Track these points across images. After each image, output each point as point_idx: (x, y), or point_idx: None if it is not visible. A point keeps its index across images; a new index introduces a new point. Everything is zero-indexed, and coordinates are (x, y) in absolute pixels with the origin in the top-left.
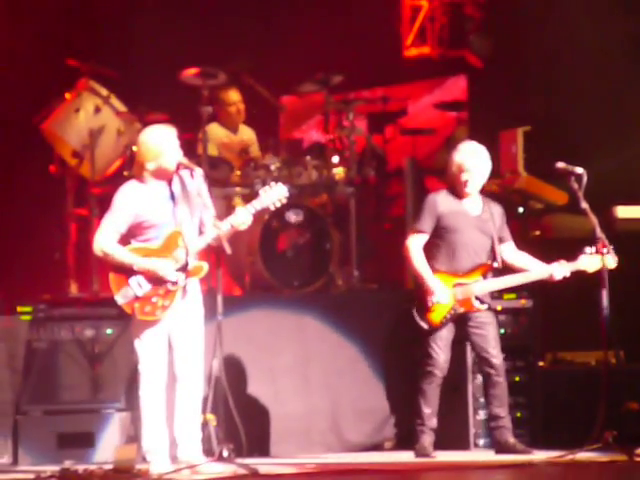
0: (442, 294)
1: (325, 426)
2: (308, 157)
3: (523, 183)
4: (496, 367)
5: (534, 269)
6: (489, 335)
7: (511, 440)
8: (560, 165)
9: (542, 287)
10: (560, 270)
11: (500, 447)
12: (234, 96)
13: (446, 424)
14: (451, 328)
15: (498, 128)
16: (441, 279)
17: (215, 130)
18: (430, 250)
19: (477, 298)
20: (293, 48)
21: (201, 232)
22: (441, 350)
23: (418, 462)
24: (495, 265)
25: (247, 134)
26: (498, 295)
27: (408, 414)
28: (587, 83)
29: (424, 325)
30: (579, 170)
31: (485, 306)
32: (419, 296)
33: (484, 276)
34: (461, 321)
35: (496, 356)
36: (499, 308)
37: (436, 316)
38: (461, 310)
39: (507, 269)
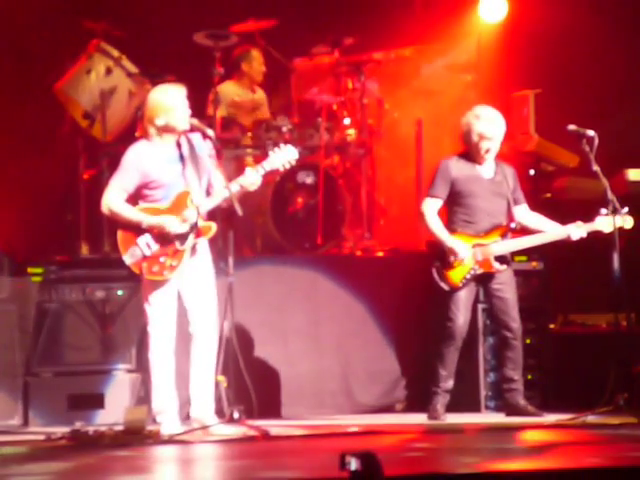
0: (464, 251)
1: (336, 388)
2: (320, 119)
3: (534, 145)
4: (514, 330)
5: (551, 230)
6: (509, 298)
7: (522, 402)
8: (571, 127)
9: (553, 249)
10: (577, 231)
11: (511, 409)
12: (260, 56)
13: (457, 386)
14: (471, 290)
15: (509, 90)
16: (461, 240)
17: (227, 89)
18: (447, 215)
19: (496, 259)
20: (305, 10)
21: (209, 194)
22: (460, 312)
23: (429, 424)
24: (512, 226)
25: (259, 95)
26: (510, 257)
27: (419, 376)
28: (599, 44)
29: (444, 286)
30: (590, 132)
31: (504, 267)
32: (439, 257)
33: (502, 237)
34: (482, 282)
35: (515, 319)
36: (511, 270)
37: (456, 276)
38: (480, 271)
39: (523, 230)
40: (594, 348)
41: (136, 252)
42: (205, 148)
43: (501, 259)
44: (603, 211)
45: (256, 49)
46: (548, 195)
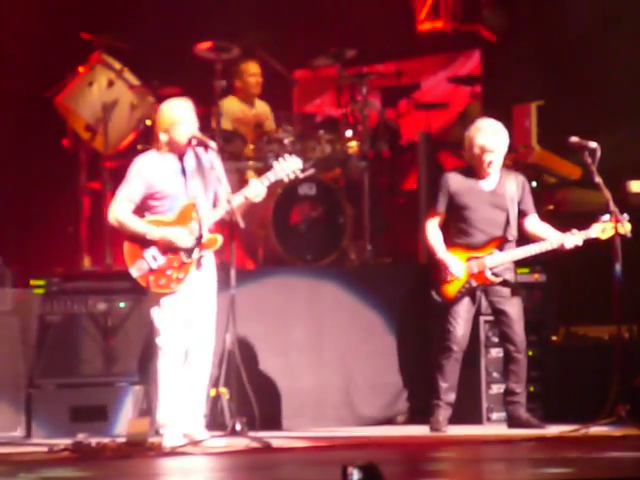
0: (456, 267)
1: (338, 400)
2: (321, 131)
3: (536, 157)
4: (516, 344)
5: (546, 239)
6: (510, 311)
7: (524, 415)
8: (574, 139)
9: (556, 261)
10: (571, 239)
11: (513, 421)
12: (254, 68)
13: (459, 398)
14: (471, 303)
15: (511, 102)
16: (455, 254)
17: (230, 104)
18: (447, 227)
19: (492, 271)
20: (307, 22)
21: (215, 206)
22: (459, 325)
23: (431, 436)
24: (510, 238)
25: (262, 108)
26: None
27: (421, 388)
28: (603, 56)
29: (438, 299)
30: (593, 144)
31: (499, 278)
32: (433, 271)
33: (499, 249)
34: (485, 295)
35: (517, 333)
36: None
37: (451, 290)
38: (475, 284)
39: (531, 241)
40: (596, 360)
41: (143, 265)
42: (213, 160)
43: (502, 271)
44: (604, 217)
45: (253, 61)
46: (550, 207)
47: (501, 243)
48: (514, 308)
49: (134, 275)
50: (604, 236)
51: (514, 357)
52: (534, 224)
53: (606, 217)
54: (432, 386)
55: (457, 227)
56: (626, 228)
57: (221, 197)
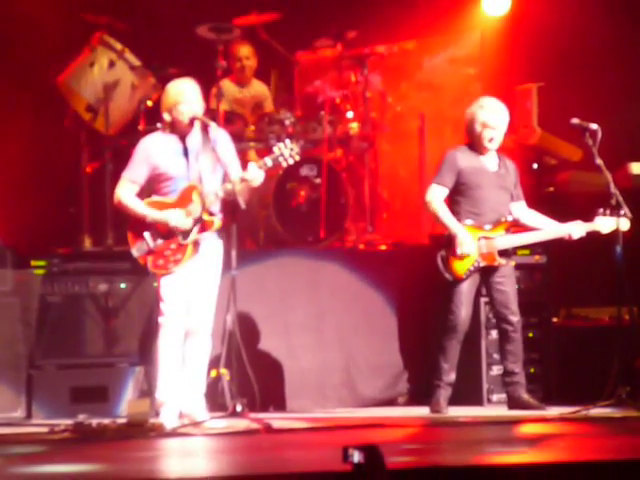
0: (470, 245)
1: (339, 381)
2: (322, 112)
3: (537, 139)
4: (513, 323)
5: (553, 227)
6: (509, 291)
7: (524, 396)
8: (575, 121)
9: (556, 243)
10: (577, 230)
11: (513, 403)
12: (242, 51)
13: (459, 380)
14: (473, 283)
15: (512, 84)
16: (468, 231)
17: (227, 86)
18: (453, 206)
19: (500, 253)
20: (308, 3)
21: None
22: (462, 305)
23: (431, 417)
24: (510, 219)
25: (260, 89)
26: (512, 251)
27: (422, 369)
28: (603, 37)
29: (448, 276)
30: (594, 126)
31: (507, 261)
32: (445, 246)
33: (507, 231)
34: (483, 275)
35: (514, 312)
36: (512, 264)
37: (460, 267)
38: (483, 264)
39: (522, 226)
40: (597, 342)
41: (143, 246)
42: (220, 140)
43: (504, 253)
44: (601, 211)
45: (242, 44)
46: (551, 189)
47: (509, 225)
48: (511, 288)
49: (134, 255)
50: (605, 231)
51: (511, 337)
52: (523, 211)
53: (606, 211)
54: (433, 366)
55: (463, 205)
56: (625, 225)
57: (232, 176)
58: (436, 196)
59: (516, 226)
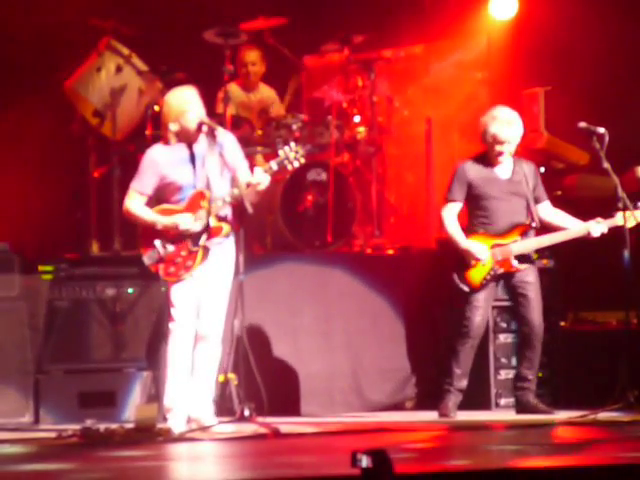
0: (481, 252)
1: (347, 385)
2: (329, 116)
3: (544, 143)
4: (535, 329)
5: (571, 227)
6: (533, 298)
7: (533, 400)
8: (582, 125)
9: (564, 247)
10: (597, 227)
11: (522, 407)
12: (248, 57)
13: (468, 384)
14: (490, 290)
15: (519, 88)
16: (479, 241)
17: (234, 90)
18: (467, 217)
19: (516, 258)
20: (315, 7)
21: None
22: (478, 311)
23: (439, 421)
24: (533, 225)
25: (267, 93)
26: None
27: (430, 374)
28: (610, 41)
29: (465, 287)
30: (601, 130)
31: (525, 265)
32: (457, 260)
33: (523, 236)
34: (505, 281)
35: (536, 318)
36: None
37: (476, 277)
38: (501, 271)
39: (545, 228)
40: (604, 345)
41: (154, 254)
42: (227, 144)
43: (523, 258)
44: (620, 205)
45: (249, 50)
46: (558, 193)
47: (525, 230)
48: (536, 294)
49: (146, 263)
50: (629, 224)
51: (531, 343)
52: (548, 211)
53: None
54: (444, 371)
55: (478, 217)
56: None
57: (240, 180)
58: (448, 212)
59: (539, 229)
